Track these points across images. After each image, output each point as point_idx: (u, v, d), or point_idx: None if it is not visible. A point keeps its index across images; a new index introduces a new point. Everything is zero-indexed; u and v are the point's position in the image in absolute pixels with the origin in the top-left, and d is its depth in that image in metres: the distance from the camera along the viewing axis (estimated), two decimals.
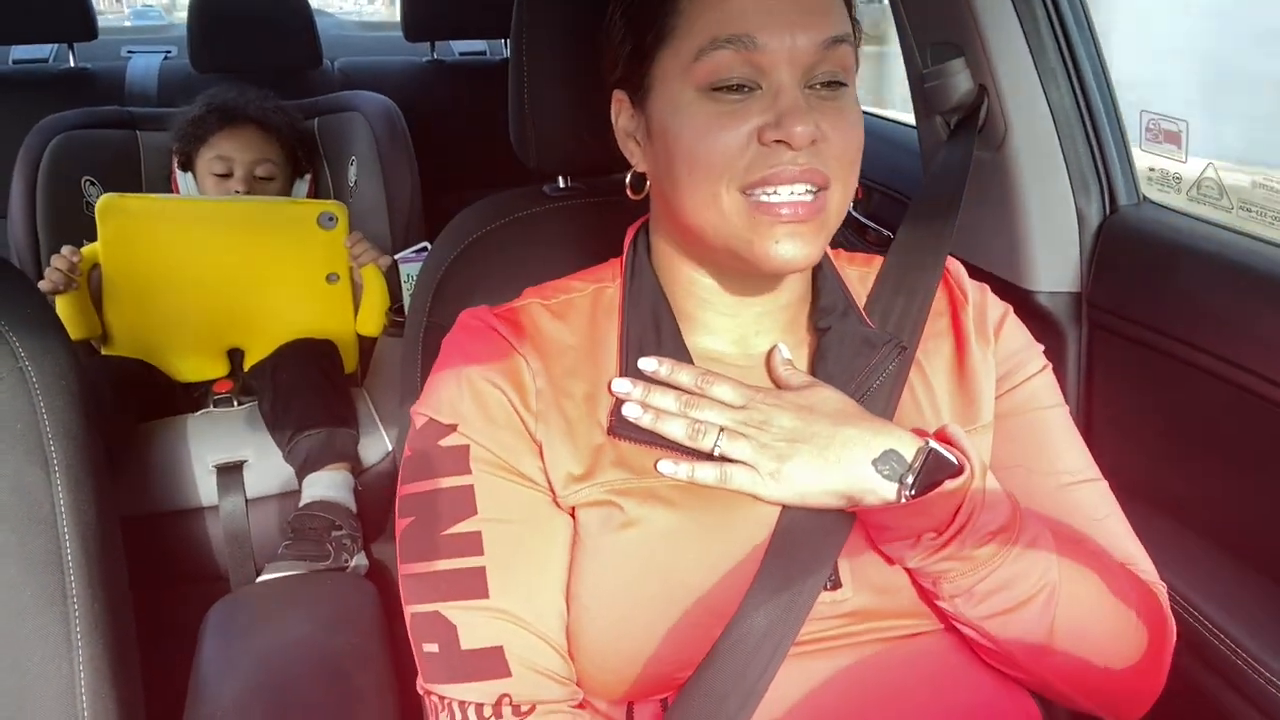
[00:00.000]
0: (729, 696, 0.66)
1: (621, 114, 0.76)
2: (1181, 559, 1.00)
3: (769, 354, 0.77)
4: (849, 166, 0.70)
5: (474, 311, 0.78)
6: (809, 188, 0.67)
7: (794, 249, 0.67)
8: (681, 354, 0.74)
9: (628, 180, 0.78)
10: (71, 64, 2.32)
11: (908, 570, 0.70)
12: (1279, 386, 0.93)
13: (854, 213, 1.84)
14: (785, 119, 0.65)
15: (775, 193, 0.67)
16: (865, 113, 0.73)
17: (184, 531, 1.52)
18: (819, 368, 0.76)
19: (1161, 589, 0.78)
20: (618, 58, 0.74)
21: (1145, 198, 1.20)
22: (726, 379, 0.72)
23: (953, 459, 0.68)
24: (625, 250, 0.80)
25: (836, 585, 0.70)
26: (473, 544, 0.69)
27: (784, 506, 0.70)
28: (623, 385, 0.72)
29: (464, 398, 0.72)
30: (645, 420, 0.71)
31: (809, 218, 0.67)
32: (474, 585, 0.68)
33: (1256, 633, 0.91)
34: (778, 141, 0.66)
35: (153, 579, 1.39)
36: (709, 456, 0.71)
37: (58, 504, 0.66)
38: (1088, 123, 1.19)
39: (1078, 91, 1.18)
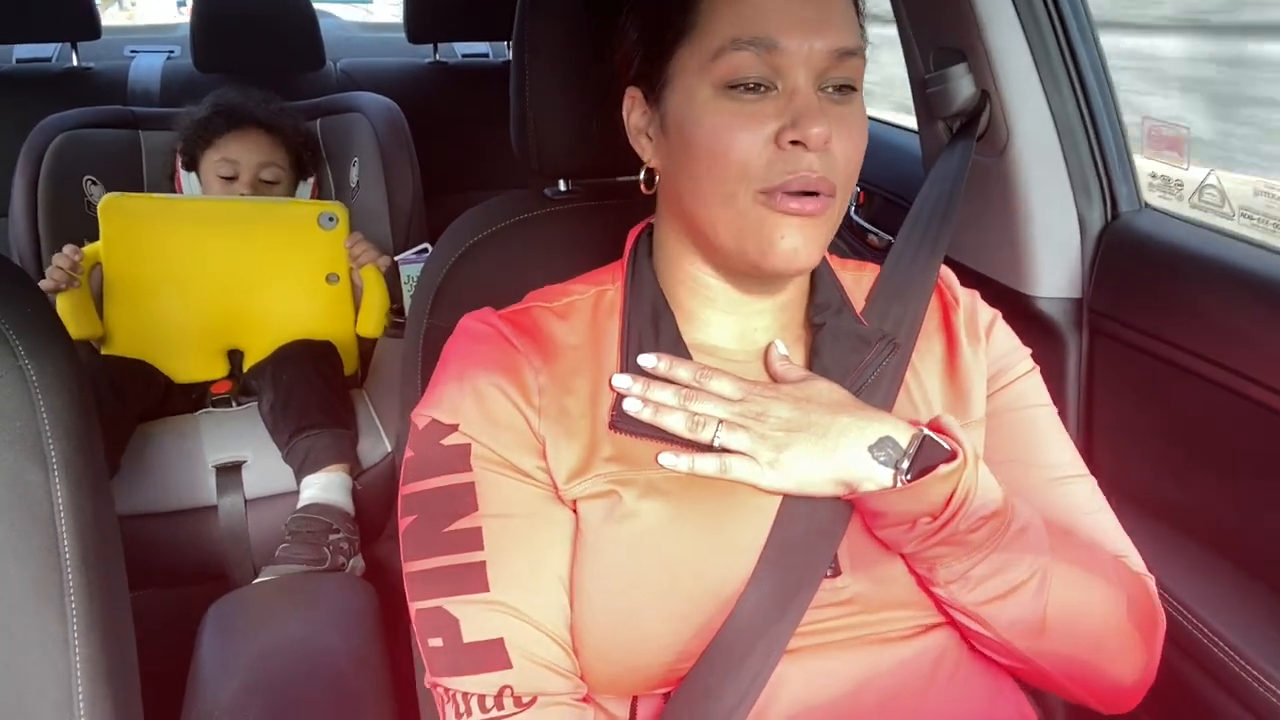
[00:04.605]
0: (729, 685, 0.67)
1: (634, 110, 0.77)
2: (1179, 564, 1.00)
3: (766, 349, 0.78)
4: (852, 173, 0.72)
5: (476, 314, 0.79)
6: (819, 193, 0.69)
7: (798, 243, 0.69)
8: (680, 351, 0.76)
9: (641, 176, 0.79)
10: (74, 63, 2.32)
11: (904, 558, 0.71)
12: (1278, 393, 0.93)
13: (856, 217, 1.84)
14: (801, 120, 0.67)
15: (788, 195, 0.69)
16: (869, 118, 0.74)
17: (183, 531, 1.52)
18: (815, 363, 0.78)
19: (1150, 580, 0.79)
20: (632, 56, 0.76)
21: (1146, 204, 1.20)
22: (724, 373, 0.74)
23: (946, 446, 0.69)
24: (626, 253, 0.81)
25: (836, 573, 0.71)
26: (473, 539, 0.70)
27: (784, 496, 0.71)
28: (623, 381, 0.74)
29: (465, 398, 0.73)
30: (645, 414, 0.72)
31: (816, 213, 0.69)
32: (475, 579, 0.69)
33: (1253, 637, 0.91)
34: (794, 143, 0.68)
35: (151, 578, 1.39)
36: (709, 448, 0.72)
37: (56, 502, 0.66)
38: (1090, 129, 1.19)
39: (1080, 97, 1.18)
